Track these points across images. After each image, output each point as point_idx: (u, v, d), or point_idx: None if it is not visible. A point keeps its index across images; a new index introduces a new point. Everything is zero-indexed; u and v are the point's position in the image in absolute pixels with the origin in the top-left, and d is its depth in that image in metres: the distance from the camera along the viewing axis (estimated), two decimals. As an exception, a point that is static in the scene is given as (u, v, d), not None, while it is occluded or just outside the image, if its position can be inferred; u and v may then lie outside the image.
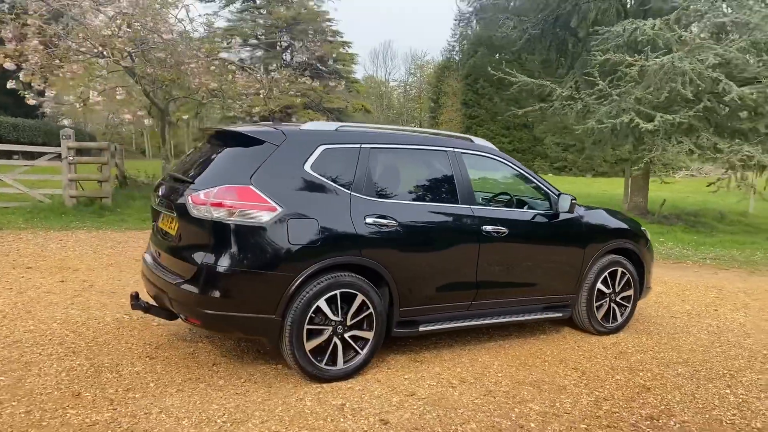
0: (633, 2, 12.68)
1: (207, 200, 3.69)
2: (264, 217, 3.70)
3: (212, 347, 4.54)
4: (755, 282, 8.36)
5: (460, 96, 56.46)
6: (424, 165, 4.57)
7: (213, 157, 4.13)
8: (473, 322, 4.62)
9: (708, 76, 10.01)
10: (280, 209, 3.72)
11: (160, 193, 4.25)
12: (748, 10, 9.73)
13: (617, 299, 5.39)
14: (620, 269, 5.36)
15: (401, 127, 4.84)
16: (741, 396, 4.14)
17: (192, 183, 3.92)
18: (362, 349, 4.07)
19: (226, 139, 4.21)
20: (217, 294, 3.66)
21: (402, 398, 3.79)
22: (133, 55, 9.49)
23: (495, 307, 4.77)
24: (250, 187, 3.73)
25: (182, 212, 3.85)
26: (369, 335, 4.07)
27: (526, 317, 4.93)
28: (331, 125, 4.25)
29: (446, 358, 4.56)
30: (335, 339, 3.96)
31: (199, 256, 3.75)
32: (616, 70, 10.69)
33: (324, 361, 3.92)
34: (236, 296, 3.69)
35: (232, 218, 3.67)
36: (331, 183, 4.01)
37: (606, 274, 5.27)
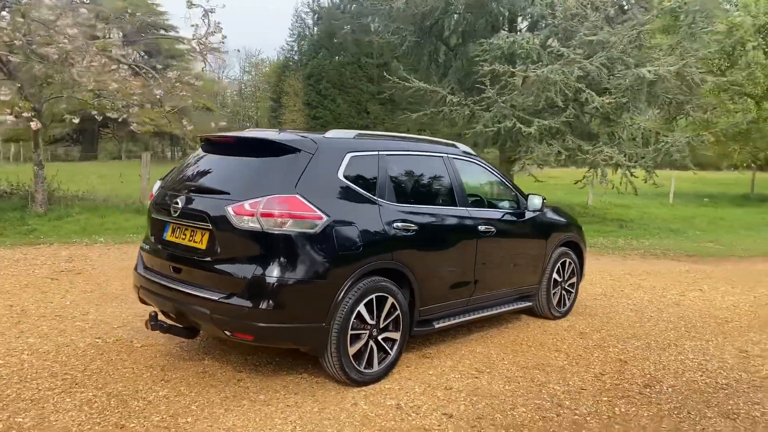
0: (503, 18, 13.87)
1: (255, 211, 3.60)
2: (312, 226, 3.70)
3: (219, 363, 4.36)
4: (632, 265, 9.72)
5: (303, 96, 56.51)
6: (427, 170, 4.80)
7: (241, 166, 4.01)
8: (471, 317, 4.96)
9: (573, 86, 11.38)
10: (325, 217, 3.74)
11: (178, 205, 3.99)
12: (607, 31, 11.25)
13: (566, 286, 6.07)
14: (568, 259, 6.05)
15: (401, 135, 5.01)
16: (694, 360, 4.95)
17: (226, 193, 3.79)
18: (391, 350, 4.21)
19: (254, 147, 4.10)
20: (270, 306, 3.59)
21: (444, 392, 4.01)
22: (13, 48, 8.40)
23: (486, 300, 5.16)
24: (297, 196, 3.70)
25: (222, 224, 3.71)
26: (397, 336, 4.23)
27: (507, 308, 5.38)
28: (350, 133, 4.32)
29: (448, 353, 4.84)
30: (371, 342, 4.06)
31: (248, 269, 3.64)
32: (500, 79, 11.67)
33: (363, 365, 4.01)
34: (289, 307, 3.64)
35: (282, 228, 3.62)
36: (362, 190, 4.09)
37: (559, 264, 5.92)
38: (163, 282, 4.06)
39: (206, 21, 10.64)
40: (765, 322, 6.24)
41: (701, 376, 4.58)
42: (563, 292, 6.03)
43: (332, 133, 4.24)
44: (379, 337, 4.11)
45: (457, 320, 4.79)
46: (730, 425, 3.70)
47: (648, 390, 4.24)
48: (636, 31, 11.14)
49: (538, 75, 10.89)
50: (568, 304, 6.13)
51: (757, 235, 13.80)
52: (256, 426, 3.42)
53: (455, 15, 14.36)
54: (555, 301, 5.93)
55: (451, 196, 4.83)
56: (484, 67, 11.16)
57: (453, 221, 4.73)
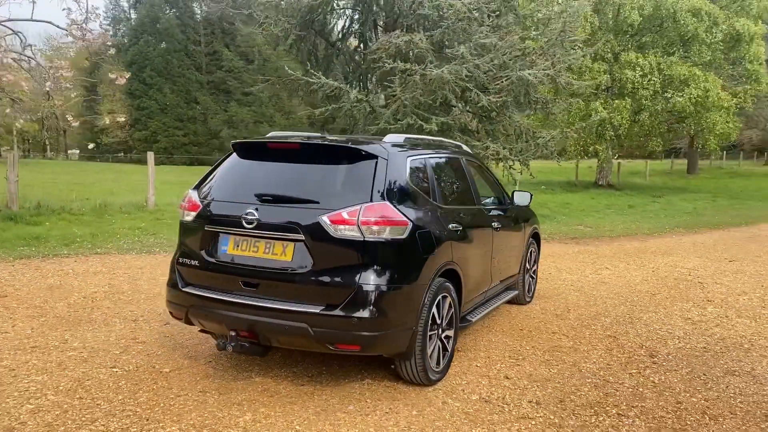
0: (386, 18, 14.22)
1: (354, 219, 3.55)
2: (402, 232, 3.73)
3: (268, 378, 4.20)
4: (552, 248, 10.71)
5: (125, 86, 52.28)
6: (455, 171, 4.99)
7: (315, 173, 3.89)
8: (488, 309, 5.26)
9: (462, 85, 12.15)
10: (410, 223, 3.80)
11: (254, 216, 3.73)
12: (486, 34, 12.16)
13: (531, 273, 6.64)
14: (533, 248, 6.63)
15: (422, 137, 5.11)
16: (662, 330, 5.75)
17: (314, 202, 3.67)
18: (449, 347, 4.37)
19: (326, 154, 3.97)
20: (376, 314, 3.58)
21: (508, 381, 4.28)
22: None
23: (494, 292, 5.50)
24: (387, 203, 3.70)
25: (316, 234, 3.60)
26: (452, 333, 4.40)
27: (504, 299, 5.77)
28: (400, 136, 4.36)
29: (471, 345, 5.10)
30: (437, 341, 4.19)
31: (350, 278, 3.58)
32: (402, 76, 12.01)
33: (434, 365, 4.13)
34: (391, 313, 3.65)
35: (379, 236, 3.61)
36: (423, 193, 4.18)
37: (528, 253, 6.46)
38: (229, 299, 3.79)
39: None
40: (682, 293, 7.37)
41: (680, 342, 5.37)
42: (529, 278, 6.60)
43: (391, 138, 4.26)
44: (442, 336, 4.25)
45: (481, 314, 5.07)
46: (740, 380, 4.45)
47: (655, 359, 4.89)
48: (518, 36, 12.20)
49: (435, 74, 11.45)
50: (533, 289, 6.72)
51: (606, 217, 15.89)
52: (374, 435, 3.41)
53: (340, 11, 14.44)
54: (526, 288, 6.47)
55: (471, 194, 5.08)
56: (386, 64, 11.44)
57: (479, 219, 4.99)
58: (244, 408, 3.73)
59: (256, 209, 3.76)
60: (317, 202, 3.71)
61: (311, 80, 12.06)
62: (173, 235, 10.05)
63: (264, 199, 3.85)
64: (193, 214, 4.07)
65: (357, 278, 3.59)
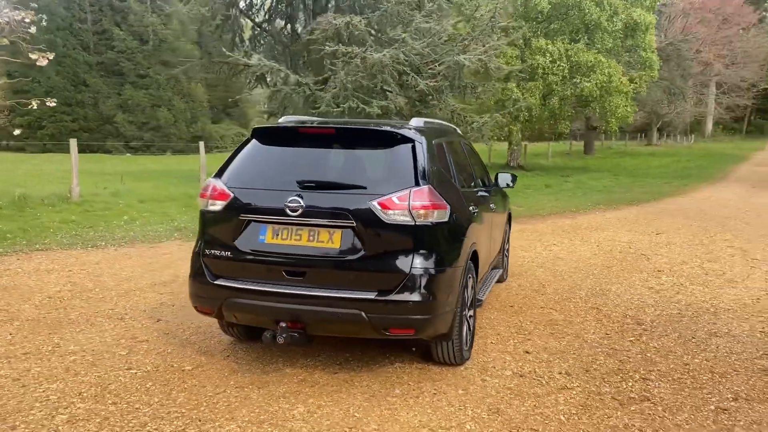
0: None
1: (405, 204, 3.55)
2: (445, 215, 3.78)
3: (298, 368, 4.13)
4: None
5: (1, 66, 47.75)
6: (462, 154, 5.08)
7: (354, 158, 3.83)
8: (489, 288, 5.42)
9: (400, 69, 12.27)
10: (449, 206, 3.84)
11: (298, 203, 3.62)
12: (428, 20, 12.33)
13: (505, 252, 6.90)
14: (507, 228, 6.88)
15: (433, 120, 5.12)
16: (634, 299, 6.19)
17: (362, 188, 3.62)
18: (472, 326, 4.48)
19: (363, 138, 3.92)
20: (430, 297, 3.61)
21: (532, 356, 4.47)
22: None
23: (488, 273, 5.66)
24: (431, 187, 3.72)
25: (367, 220, 3.57)
26: (472, 312, 4.51)
27: (495, 277, 5.96)
28: (420, 120, 4.36)
29: (477, 323, 5.25)
30: (466, 321, 4.29)
31: (403, 263, 3.60)
32: (342, 60, 11.88)
33: (464, 344, 4.22)
34: (441, 296, 3.70)
35: (427, 219, 3.64)
36: (449, 177, 4.24)
37: (504, 232, 6.71)
38: (274, 289, 3.67)
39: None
40: (632, 264, 7.94)
41: (656, 310, 5.81)
42: (505, 257, 6.86)
43: (415, 122, 4.26)
44: (467, 315, 4.36)
45: (485, 293, 5.22)
46: (724, 341, 4.90)
47: (644, 327, 5.26)
48: (452, 21, 12.47)
49: (375, 57, 11.47)
50: (507, 267, 6.99)
51: (530, 197, 16.63)
52: (437, 417, 3.47)
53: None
54: (505, 266, 6.72)
55: (473, 177, 5.20)
56: (327, 47, 11.29)
57: (484, 200, 5.12)
58: (292, 400, 3.66)
59: (300, 196, 3.65)
60: (364, 188, 3.67)
61: (251, 63, 11.69)
62: (116, 228, 9.47)
63: (306, 185, 3.73)
64: (222, 203, 3.88)
65: (410, 263, 3.60)
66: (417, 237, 3.62)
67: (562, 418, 3.50)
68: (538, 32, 22.31)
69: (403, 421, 3.42)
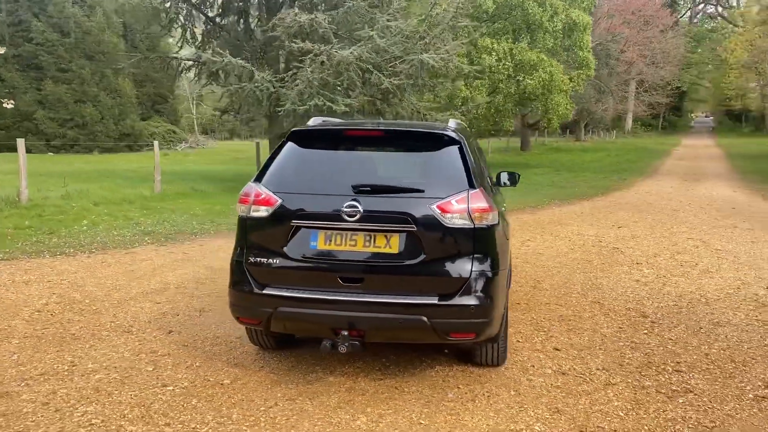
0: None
1: (464, 207, 3.54)
2: (495, 218, 3.78)
3: (342, 378, 4.04)
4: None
5: None
6: (479, 152, 5.07)
7: (405, 160, 3.80)
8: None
9: (364, 67, 12.20)
10: (495, 208, 3.85)
11: (356, 208, 3.53)
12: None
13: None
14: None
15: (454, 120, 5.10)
16: (628, 292, 6.41)
17: (419, 191, 3.58)
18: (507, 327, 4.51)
19: (409, 140, 3.87)
20: (489, 300, 3.61)
21: (563, 353, 4.55)
22: None
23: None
24: (483, 189, 3.72)
25: (428, 224, 3.54)
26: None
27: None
28: (453, 121, 4.33)
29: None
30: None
31: (463, 266, 3.59)
32: (306, 57, 11.64)
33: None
34: (497, 299, 3.71)
35: (482, 222, 3.63)
36: (486, 178, 4.25)
37: (500, 232, 6.79)
38: (330, 297, 3.57)
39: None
40: (609, 258, 8.22)
41: (654, 302, 6.04)
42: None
43: (452, 123, 4.23)
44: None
45: None
46: (729, 330, 5.16)
47: (651, 319, 5.46)
48: (416, 20, 12.50)
49: (341, 55, 11.35)
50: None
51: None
52: (503, 419, 3.49)
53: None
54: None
55: (488, 176, 5.22)
56: (292, 44, 11.05)
57: (502, 200, 5.16)
58: (350, 410, 3.58)
59: (357, 201, 3.56)
60: (422, 191, 3.62)
61: (214, 59, 11.28)
62: (79, 233, 8.93)
63: (362, 190, 3.64)
64: (269, 209, 3.73)
65: (470, 266, 3.59)
66: (475, 240, 3.61)
67: (621, 414, 3.59)
68: (484, 32, 22.75)
69: (472, 426, 3.41)
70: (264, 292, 3.69)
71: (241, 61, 11.47)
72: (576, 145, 44.98)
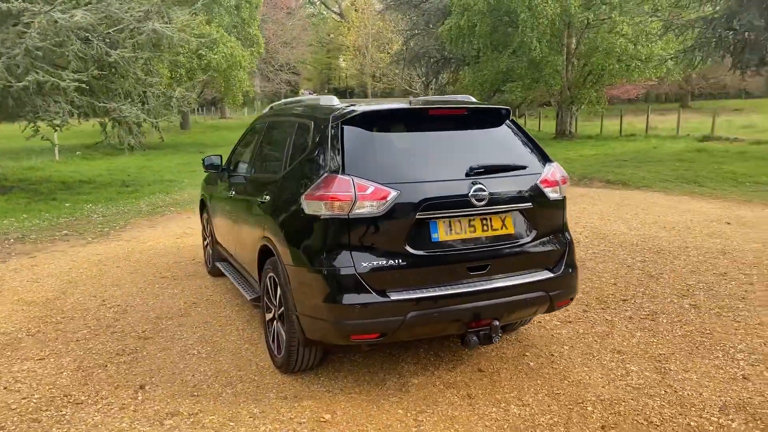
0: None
1: (557, 180, 3.70)
2: (565, 190, 3.91)
3: (374, 372, 3.81)
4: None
5: None
6: None
7: (486, 138, 3.70)
8: None
9: (83, 35, 10.24)
10: None
11: (483, 192, 3.29)
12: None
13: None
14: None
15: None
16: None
17: (522, 168, 3.57)
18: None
19: (481, 118, 3.75)
20: (576, 266, 3.82)
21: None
22: None
23: None
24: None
25: (538, 200, 3.59)
26: None
27: None
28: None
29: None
30: None
31: (561, 237, 3.77)
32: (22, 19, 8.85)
33: None
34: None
35: (563, 193, 3.80)
36: None
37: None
38: (462, 290, 3.30)
39: None
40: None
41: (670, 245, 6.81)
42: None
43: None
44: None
45: None
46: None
47: (684, 299, 5.15)
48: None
49: (70, 19, 9.20)
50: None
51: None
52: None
53: None
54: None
55: None
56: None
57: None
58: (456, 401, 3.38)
59: (482, 184, 3.34)
60: (525, 167, 3.59)
61: None
62: None
63: (478, 171, 3.39)
64: (381, 203, 3.16)
65: (564, 236, 3.76)
66: (563, 210, 3.79)
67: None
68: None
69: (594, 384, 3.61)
70: (392, 299, 3.18)
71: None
72: (224, 123, 45.05)
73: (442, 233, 3.33)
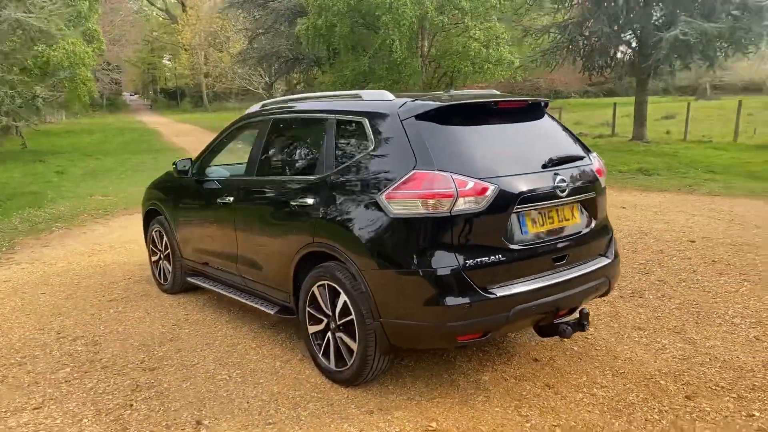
0: None
1: (602, 169, 3.87)
2: None
3: (427, 372, 3.81)
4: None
5: None
6: None
7: (539, 129, 3.78)
8: None
9: None
10: None
11: (564, 183, 3.39)
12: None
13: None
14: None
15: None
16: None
17: (581, 158, 3.71)
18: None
19: (534, 108, 3.82)
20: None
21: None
22: None
23: None
24: None
25: (598, 189, 3.76)
26: None
27: None
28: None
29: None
30: None
31: (608, 225, 3.97)
32: None
33: None
34: None
35: (604, 184, 3.97)
36: None
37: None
38: (552, 282, 3.36)
39: None
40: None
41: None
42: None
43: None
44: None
45: None
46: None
47: (648, 275, 5.60)
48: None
49: None
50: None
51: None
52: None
53: None
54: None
55: None
56: None
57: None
58: (506, 406, 3.36)
59: (563, 175, 3.41)
60: (584, 157, 3.70)
61: None
62: None
63: (555, 162, 3.45)
64: (481, 198, 3.10)
65: (608, 223, 3.93)
66: (606, 198, 3.95)
67: None
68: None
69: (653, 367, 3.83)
70: (498, 295, 3.10)
71: None
72: (56, 128, 40.28)
73: (530, 225, 3.35)
